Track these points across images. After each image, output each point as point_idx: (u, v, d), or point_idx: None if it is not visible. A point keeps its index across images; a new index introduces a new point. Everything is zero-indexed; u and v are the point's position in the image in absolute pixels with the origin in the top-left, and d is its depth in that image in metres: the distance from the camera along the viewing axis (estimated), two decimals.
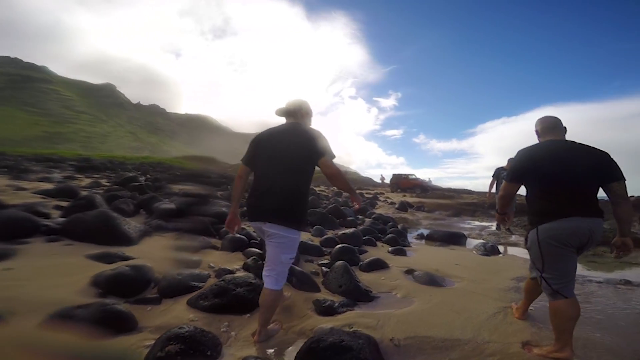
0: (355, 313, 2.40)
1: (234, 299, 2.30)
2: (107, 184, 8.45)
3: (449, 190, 31.72)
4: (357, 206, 2.11)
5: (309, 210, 2.44)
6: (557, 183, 1.82)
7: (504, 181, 2.12)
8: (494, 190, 7.12)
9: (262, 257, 3.10)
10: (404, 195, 20.37)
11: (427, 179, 28.87)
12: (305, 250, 3.70)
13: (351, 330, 2.10)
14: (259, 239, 3.69)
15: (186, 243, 3.68)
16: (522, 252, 5.13)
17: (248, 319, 2.18)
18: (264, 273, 1.99)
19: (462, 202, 15.65)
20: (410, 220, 9.45)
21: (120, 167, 15.24)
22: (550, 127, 2.01)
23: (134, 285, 2.37)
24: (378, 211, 10.26)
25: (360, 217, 7.67)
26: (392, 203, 13.88)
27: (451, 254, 4.72)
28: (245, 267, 2.97)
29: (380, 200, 15.09)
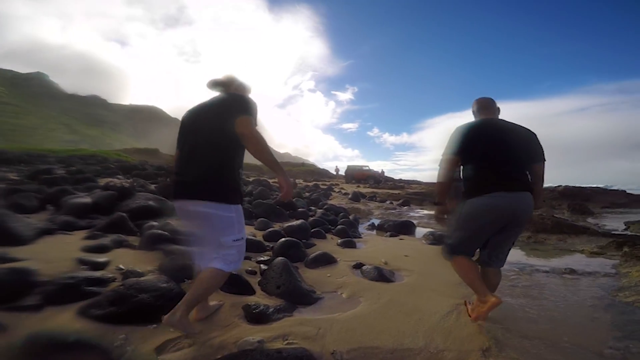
0: (293, 320, 2.01)
1: (136, 307, 1.83)
2: (16, 177, 7.16)
3: (400, 181, 32.92)
4: (283, 190, 1.70)
5: (243, 188, 2.02)
6: (488, 159, 1.89)
7: (442, 158, 2.09)
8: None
9: (184, 256, 2.59)
10: (358, 186, 20.58)
11: (379, 171, 29.64)
12: None
13: (285, 343, 1.72)
14: (186, 232, 3.10)
15: (95, 242, 3.06)
16: None
17: (153, 331, 1.70)
18: (199, 259, 1.78)
19: (411, 192, 16.30)
20: (362, 210, 9.35)
21: (39, 160, 13.30)
22: (485, 106, 2.10)
23: (9, 290, 1.85)
24: (332, 202, 10.06)
25: (312, 208, 7.36)
26: (346, 194, 13.83)
27: (401, 245, 4.55)
28: (162, 269, 2.45)
29: (334, 191, 15.01)
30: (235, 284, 2.40)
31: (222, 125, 1.62)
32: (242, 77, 1.97)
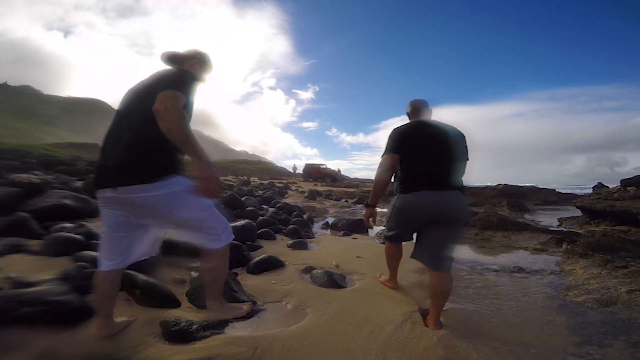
0: (223, 338, 1.66)
1: (15, 323, 1.49)
2: None
3: (355, 179, 33.54)
4: (201, 183, 1.35)
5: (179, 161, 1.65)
6: (419, 159, 1.99)
7: (381, 158, 2.16)
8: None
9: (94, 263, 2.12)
10: (315, 185, 20.43)
11: (336, 170, 29.84)
12: (171, 249, 2.75)
13: None
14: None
15: None
16: None
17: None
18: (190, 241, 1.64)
19: (365, 190, 16.48)
20: (318, 209, 9.11)
21: None
22: (418, 109, 2.24)
23: None
24: (287, 200, 9.70)
25: (264, 206, 6.95)
26: (302, 192, 13.54)
27: (354, 245, 4.34)
28: (65, 277, 1.95)
29: (291, 190, 14.66)
30: (155, 295, 1.99)
31: (149, 102, 1.35)
32: (208, 56, 1.79)
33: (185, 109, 1.39)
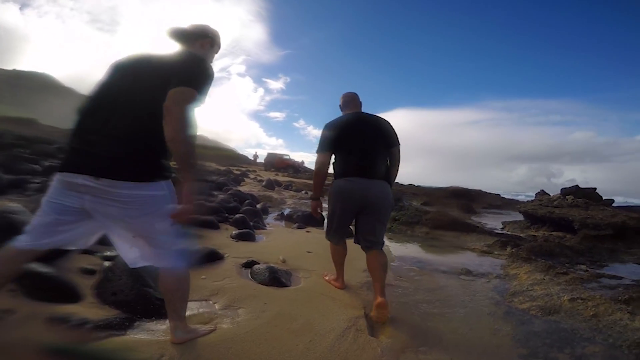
0: (121, 341, 1.38)
1: None
2: None
3: None
4: (183, 205, 1.27)
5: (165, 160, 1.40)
6: (349, 148, 2.16)
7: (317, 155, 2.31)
8: None
9: None
10: (277, 174, 19.96)
11: (300, 161, 29.49)
12: None
13: None
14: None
15: None
16: None
17: None
18: (132, 259, 1.35)
19: (327, 183, 16.29)
20: (275, 199, 8.78)
21: None
22: (349, 101, 2.39)
23: None
24: (242, 188, 9.23)
25: (215, 193, 6.48)
26: (260, 180, 13.09)
27: (306, 238, 4.12)
28: None
29: (249, 178, 14.13)
30: (47, 287, 1.64)
31: (161, 95, 1.18)
32: (219, 35, 1.61)
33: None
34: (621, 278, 3.15)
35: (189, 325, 1.50)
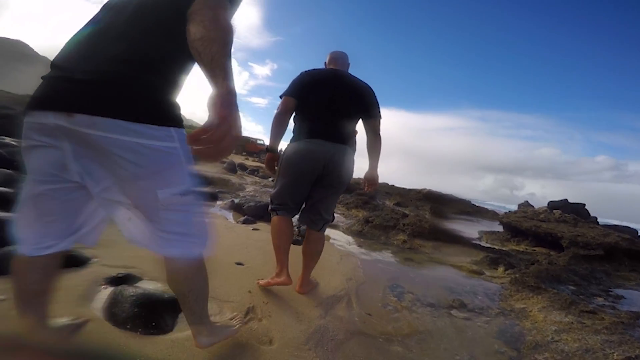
0: None
1: None
2: None
3: None
4: (216, 120, 0.70)
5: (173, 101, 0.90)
6: (317, 106, 1.88)
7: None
8: None
9: None
10: (246, 158, 18.67)
11: None
12: None
13: None
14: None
15: None
16: (341, 236, 4.14)
17: None
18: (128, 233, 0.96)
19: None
20: (232, 183, 7.61)
21: None
22: (334, 58, 2.08)
23: None
24: (197, 168, 7.99)
25: None
26: (223, 162, 11.84)
27: (247, 239, 3.03)
28: None
29: None
30: None
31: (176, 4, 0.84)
32: None
33: None
34: None
35: (215, 324, 1.20)
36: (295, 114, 1.96)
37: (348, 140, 1.91)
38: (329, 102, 1.87)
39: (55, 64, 0.88)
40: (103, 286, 1.54)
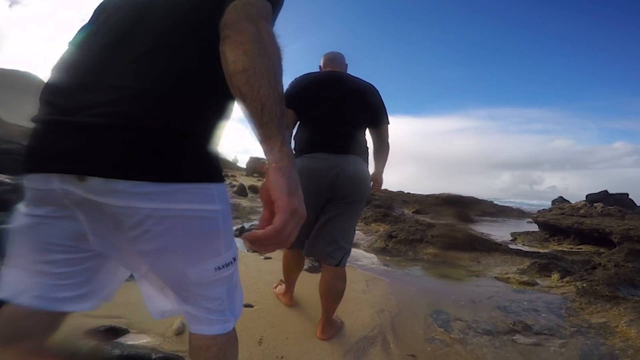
0: None
1: None
2: None
3: None
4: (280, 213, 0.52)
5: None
6: (318, 114, 1.57)
7: None
8: None
9: None
10: (259, 180, 18.54)
11: None
12: None
13: None
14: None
15: None
16: (363, 256, 3.69)
17: None
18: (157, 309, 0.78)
19: None
20: (243, 207, 7.32)
21: None
22: (331, 60, 1.81)
23: None
24: None
25: None
26: (233, 186, 11.65)
27: (257, 271, 2.66)
28: None
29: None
30: None
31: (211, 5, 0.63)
32: None
33: None
34: None
35: None
36: (299, 123, 1.68)
37: (357, 149, 1.63)
38: (332, 108, 1.57)
39: (47, 100, 0.64)
40: (83, 341, 1.22)
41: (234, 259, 0.73)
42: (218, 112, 0.68)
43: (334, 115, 1.57)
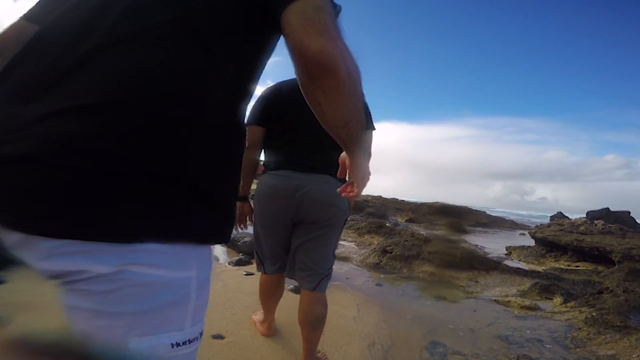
0: None
1: None
2: None
3: None
4: (351, 193, 0.80)
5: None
6: (288, 127, 1.40)
7: None
8: None
9: None
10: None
11: None
12: None
13: None
14: None
15: None
16: (355, 272, 3.47)
17: None
18: None
19: None
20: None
21: None
22: None
23: None
24: None
25: None
26: None
27: (235, 290, 2.41)
28: None
29: None
30: None
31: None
32: None
33: None
34: None
35: None
36: (266, 138, 1.49)
37: (330, 166, 1.37)
38: (300, 119, 1.34)
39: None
40: None
41: (201, 334, 0.55)
42: (228, 136, 0.54)
43: (302, 126, 1.35)
